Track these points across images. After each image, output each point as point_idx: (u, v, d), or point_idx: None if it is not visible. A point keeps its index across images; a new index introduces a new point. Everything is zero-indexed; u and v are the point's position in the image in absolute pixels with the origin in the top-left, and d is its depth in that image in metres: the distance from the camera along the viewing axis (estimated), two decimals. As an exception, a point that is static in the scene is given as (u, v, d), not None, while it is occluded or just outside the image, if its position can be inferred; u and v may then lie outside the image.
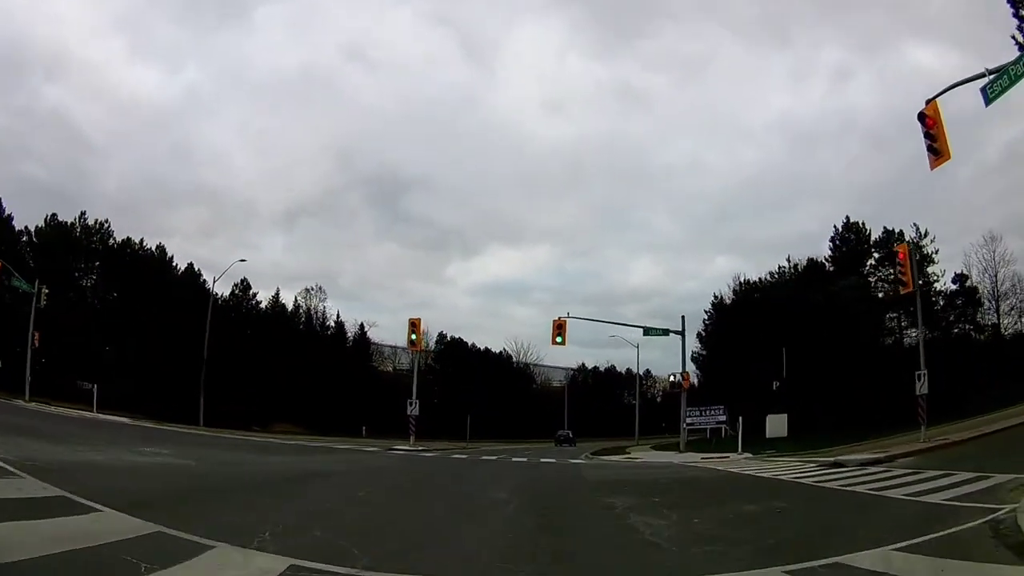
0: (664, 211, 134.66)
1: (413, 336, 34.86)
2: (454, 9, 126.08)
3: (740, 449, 31.21)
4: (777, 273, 52.63)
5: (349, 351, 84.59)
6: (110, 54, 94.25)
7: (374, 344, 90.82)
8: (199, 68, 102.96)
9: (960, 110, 16.48)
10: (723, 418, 39.96)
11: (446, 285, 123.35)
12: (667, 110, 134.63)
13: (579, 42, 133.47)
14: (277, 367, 73.80)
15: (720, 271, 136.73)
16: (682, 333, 34.58)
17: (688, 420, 40.93)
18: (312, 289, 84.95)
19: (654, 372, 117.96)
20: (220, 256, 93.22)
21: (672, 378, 33.70)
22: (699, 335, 62.68)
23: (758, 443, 33.23)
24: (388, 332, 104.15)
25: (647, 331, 33.18)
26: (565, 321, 33.63)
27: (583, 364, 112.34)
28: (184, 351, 57.98)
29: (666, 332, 34.16)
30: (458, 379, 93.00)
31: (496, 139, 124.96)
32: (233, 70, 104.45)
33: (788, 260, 53.46)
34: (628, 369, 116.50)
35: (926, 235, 48.12)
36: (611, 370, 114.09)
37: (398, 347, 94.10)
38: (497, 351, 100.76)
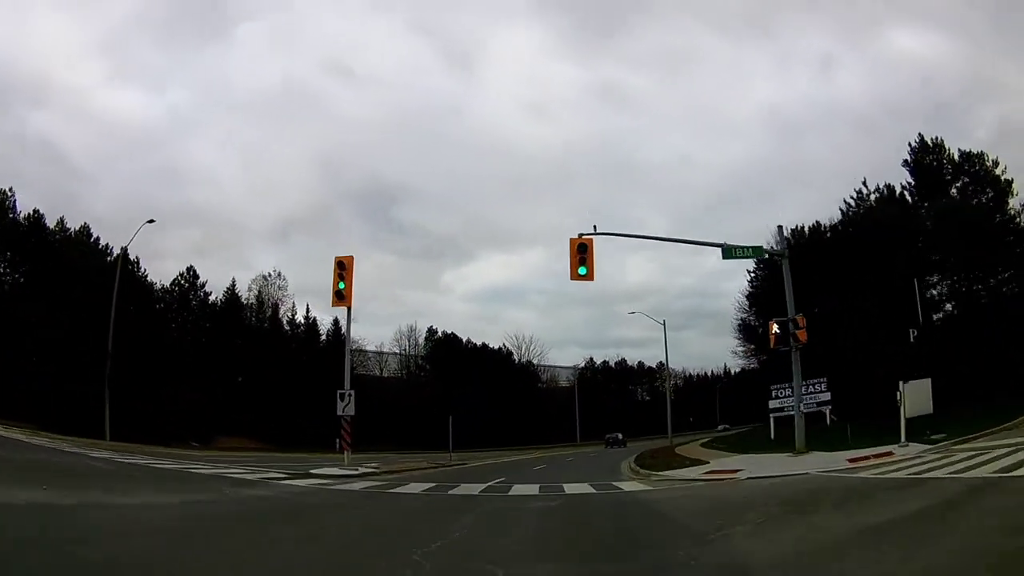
0: (654, 208, 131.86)
1: (341, 285, 22.69)
2: (435, 18, 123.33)
3: (904, 437, 19.27)
4: (852, 208, 40.57)
5: (321, 351, 72.01)
6: (94, 78, 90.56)
7: (355, 343, 78.06)
8: (183, 87, 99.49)
9: None
10: (827, 396, 28.00)
11: (443, 293, 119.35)
12: (652, 107, 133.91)
13: (560, 44, 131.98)
14: (227, 369, 61.47)
15: (714, 266, 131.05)
16: (784, 255, 22.60)
17: (778, 400, 29.26)
18: (270, 276, 70.92)
19: (669, 364, 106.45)
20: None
21: (775, 329, 21.05)
22: (750, 295, 50.44)
23: (893, 427, 20.92)
24: (376, 336, 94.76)
25: (728, 252, 21.20)
26: (590, 240, 21.44)
27: (591, 359, 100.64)
28: (102, 347, 45.51)
29: (757, 252, 22.20)
30: (452, 380, 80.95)
31: (482, 145, 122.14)
32: (217, 87, 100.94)
33: (857, 194, 41.71)
34: (640, 362, 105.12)
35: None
36: (622, 364, 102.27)
37: (385, 350, 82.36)
38: (496, 347, 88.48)
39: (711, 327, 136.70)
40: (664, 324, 48.12)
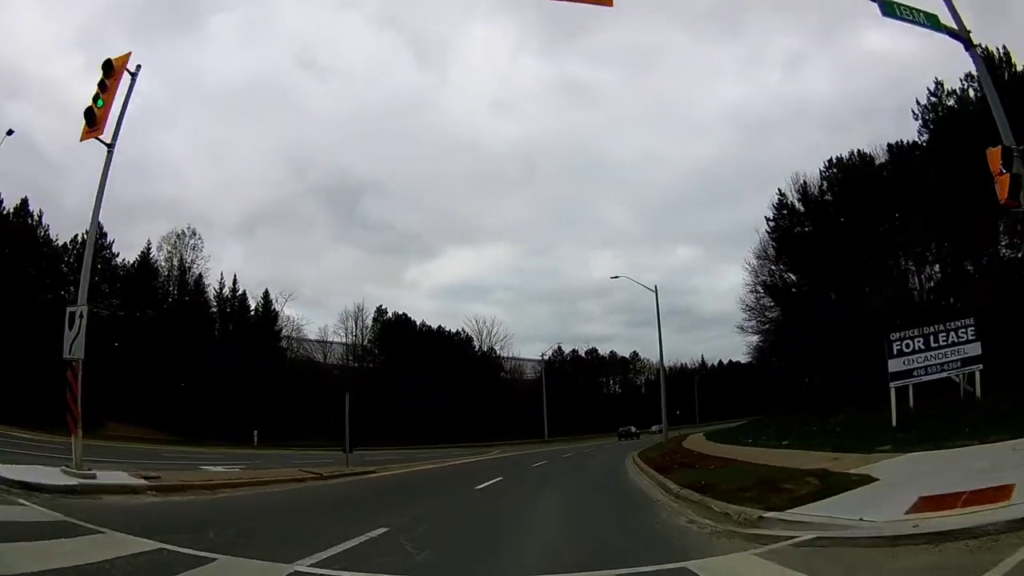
0: (620, 205, 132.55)
1: (99, 102, 12.28)
2: (403, 12, 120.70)
3: None
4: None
5: (248, 327, 62.07)
6: (68, 69, 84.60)
7: (289, 322, 68.36)
8: (155, 79, 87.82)
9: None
10: (975, 349, 17.80)
11: (407, 288, 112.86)
12: (618, 104, 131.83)
13: (528, 41, 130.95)
14: (135, 344, 51.35)
15: (680, 262, 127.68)
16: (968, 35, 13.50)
17: (904, 361, 19.02)
18: (184, 234, 59.54)
19: (642, 355, 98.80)
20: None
21: (1001, 165, 10.65)
22: (776, 239, 40.41)
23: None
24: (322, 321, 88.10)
25: (890, 9, 12.19)
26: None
27: (559, 347, 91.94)
28: None
29: (932, 21, 12.97)
30: (402, 367, 71.81)
31: (449, 140, 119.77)
32: (189, 80, 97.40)
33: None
34: (612, 352, 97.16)
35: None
36: (593, 354, 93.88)
37: (330, 338, 72.53)
38: (453, 331, 79.33)
39: (678, 324, 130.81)
40: (656, 291, 38.65)
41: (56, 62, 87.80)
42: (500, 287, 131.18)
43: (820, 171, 37.44)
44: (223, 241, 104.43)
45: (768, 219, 41.37)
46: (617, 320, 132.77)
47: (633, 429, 68.53)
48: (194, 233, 59.54)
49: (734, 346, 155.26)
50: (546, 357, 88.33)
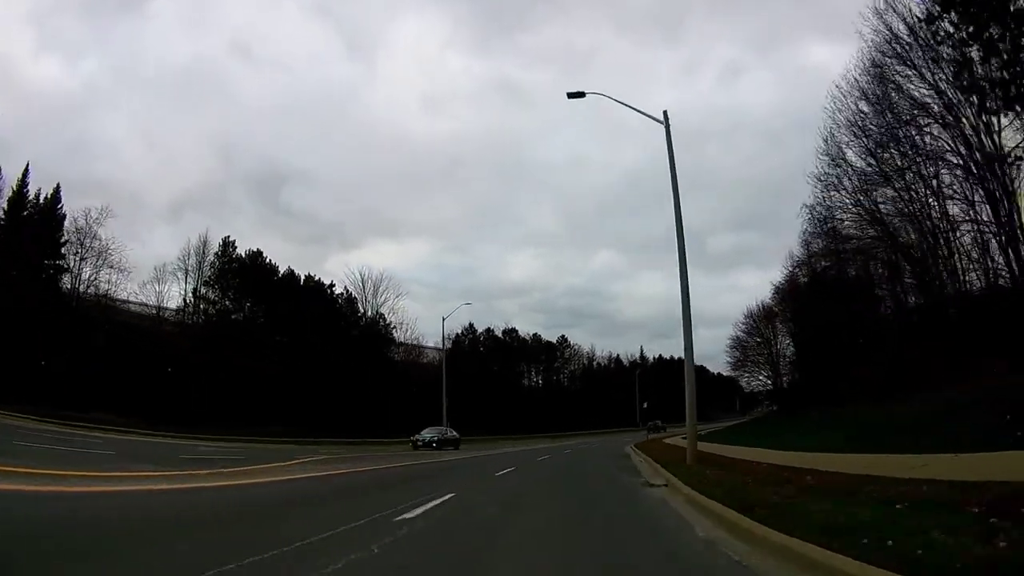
0: (545, 206, 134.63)
1: None
2: (337, 2, 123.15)
3: None
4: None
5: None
6: (21, 46, 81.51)
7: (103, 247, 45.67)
8: (98, 60, 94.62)
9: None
10: None
11: (325, 277, 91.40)
12: (549, 106, 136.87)
13: (460, 36, 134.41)
14: None
15: (602, 266, 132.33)
16: None
17: None
18: None
19: (572, 340, 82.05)
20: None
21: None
22: None
23: None
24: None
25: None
26: None
27: (470, 325, 73.19)
28: None
29: None
30: (253, 324, 50.93)
31: (377, 134, 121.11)
32: (129, 62, 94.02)
33: None
34: (536, 335, 79.58)
35: None
36: (512, 335, 75.80)
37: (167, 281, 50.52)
38: (327, 282, 58.34)
39: (597, 327, 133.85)
40: (666, 120, 16.93)
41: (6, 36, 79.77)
42: (419, 282, 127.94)
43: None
44: (150, 224, 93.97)
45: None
46: (535, 320, 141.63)
47: (660, 423, 65.13)
48: None
49: (661, 349, 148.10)
50: (454, 335, 69.46)
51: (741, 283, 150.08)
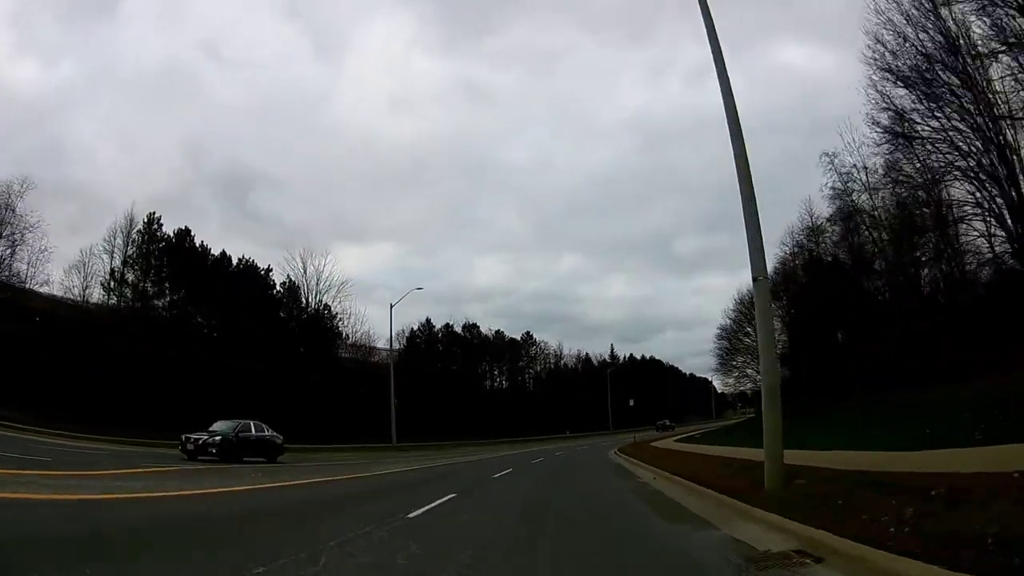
0: (511, 209, 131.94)
1: None
2: (308, 2, 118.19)
3: None
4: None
5: None
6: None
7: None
8: (74, 62, 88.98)
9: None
10: None
11: (260, 262, 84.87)
12: (516, 107, 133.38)
13: (427, 37, 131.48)
14: None
15: (568, 269, 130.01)
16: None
17: None
18: None
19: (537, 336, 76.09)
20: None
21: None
22: None
23: None
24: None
25: None
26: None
27: (427, 321, 66.56)
28: None
29: None
30: (179, 316, 43.72)
31: (344, 136, 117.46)
32: (103, 64, 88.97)
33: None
34: (499, 331, 73.44)
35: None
36: (473, 330, 69.49)
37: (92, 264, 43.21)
38: (263, 268, 51.08)
39: (564, 331, 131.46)
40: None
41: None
42: (383, 287, 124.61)
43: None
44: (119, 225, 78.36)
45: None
46: (499, 324, 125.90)
47: (668, 423, 66.18)
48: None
49: (631, 352, 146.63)
50: (405, 333, 62.90)
51: (710, 286, 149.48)
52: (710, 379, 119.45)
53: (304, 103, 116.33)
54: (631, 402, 59.73)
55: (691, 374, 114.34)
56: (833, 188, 31.24)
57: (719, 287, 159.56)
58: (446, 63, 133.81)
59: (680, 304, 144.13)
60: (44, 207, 57.27)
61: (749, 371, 52.61)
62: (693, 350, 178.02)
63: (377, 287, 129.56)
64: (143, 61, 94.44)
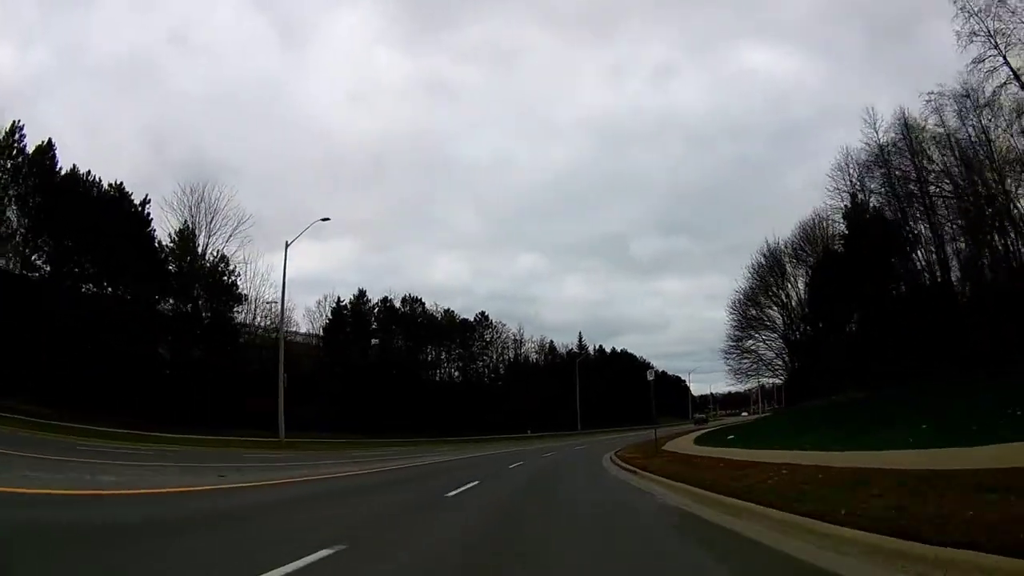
0: (468, 208, 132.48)
1: None
2: None
3: None
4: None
5: None
6: None
7: None
8: (46, 48, 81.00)
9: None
10: None
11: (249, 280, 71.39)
12: (476, 105, 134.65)
13: (390, 32, 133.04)
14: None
15: (524, 269, 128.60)
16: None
17: None
18: None
19: (491, 317, 65.35)
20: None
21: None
22: None
23: None
24: None
25: None
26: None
27: (360, 291, 55.18)
28: None
29: None
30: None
31: (304, 129, 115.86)
32: (74, 50, 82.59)
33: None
34: (448, 310, 62.71)
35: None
36: (416, 304, 58.38)
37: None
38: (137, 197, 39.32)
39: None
40: None
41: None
42: (341, 283, 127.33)
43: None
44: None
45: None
46: (465, 319, 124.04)
47: (703, 416, 63.13)
48: None
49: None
50: (330, 305, 51.75)
51: (667, 288, 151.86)
52: (684, 379, 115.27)
53: (266, 93, 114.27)
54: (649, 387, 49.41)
55: (663, 371, 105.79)
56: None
57: (677, 291, 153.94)
58: (407, 59, 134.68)
59: (638, 306, 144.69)
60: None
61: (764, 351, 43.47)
62: (655, 352, 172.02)
63: (336, 283, 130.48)
64: (113, 47, 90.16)
